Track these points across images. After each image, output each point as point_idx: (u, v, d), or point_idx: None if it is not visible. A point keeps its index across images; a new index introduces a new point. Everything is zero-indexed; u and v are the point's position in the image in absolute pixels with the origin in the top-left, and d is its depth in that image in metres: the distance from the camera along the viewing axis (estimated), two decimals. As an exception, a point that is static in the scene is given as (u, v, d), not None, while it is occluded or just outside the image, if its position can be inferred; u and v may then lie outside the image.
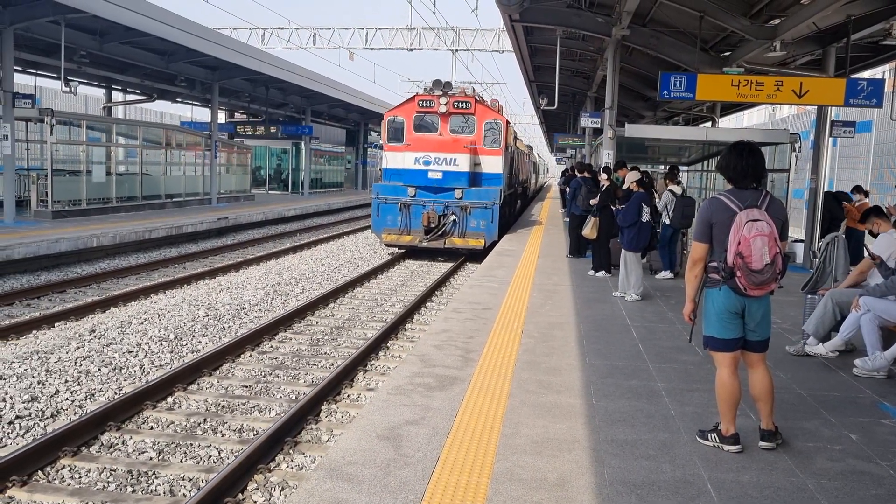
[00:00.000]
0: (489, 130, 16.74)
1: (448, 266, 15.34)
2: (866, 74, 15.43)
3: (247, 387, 7.10)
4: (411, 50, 33.09)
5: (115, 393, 6.78)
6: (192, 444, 5.65)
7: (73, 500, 4.67)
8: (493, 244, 15.68)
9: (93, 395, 6.71)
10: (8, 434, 5.74)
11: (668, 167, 13.90)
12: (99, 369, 7.40)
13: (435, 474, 3.88)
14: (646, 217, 9.50)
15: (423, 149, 16.26)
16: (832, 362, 6.45)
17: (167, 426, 6.05)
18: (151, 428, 6.02)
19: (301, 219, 26.92)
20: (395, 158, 16.70)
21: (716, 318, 4.26)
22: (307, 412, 6.23)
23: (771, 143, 14.98)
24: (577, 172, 14.84)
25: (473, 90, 17.46)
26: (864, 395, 5.52)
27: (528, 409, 4.94)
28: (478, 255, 15.71)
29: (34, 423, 5.96)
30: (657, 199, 11.11)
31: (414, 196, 16.21)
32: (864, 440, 4.57)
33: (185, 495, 4.86)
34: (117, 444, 5.63)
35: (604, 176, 11.72)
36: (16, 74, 18.14)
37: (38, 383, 6.87)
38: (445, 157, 16.02)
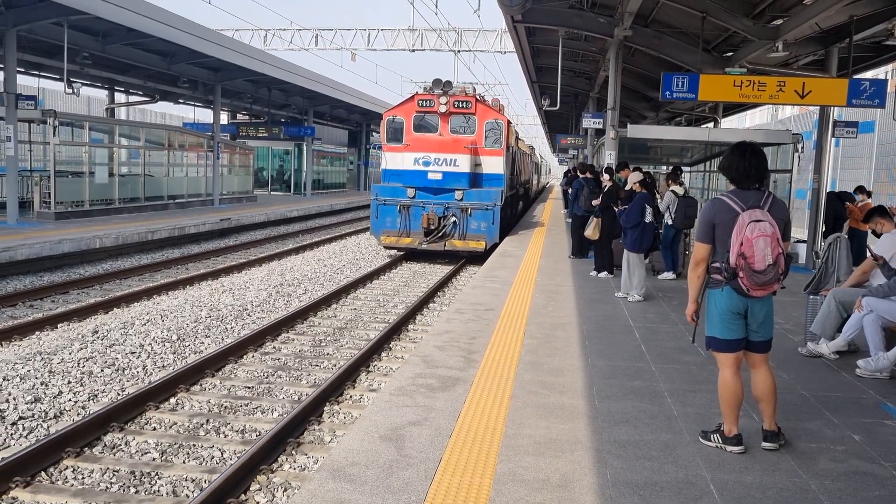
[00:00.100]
0: (490, 130, 16.48)
1: (450, 267, 15.33)
2: (869, 75, 15.41)
3: (249, 387, 7.11)
4: (413, 51, 33.08)
5: (118, 394, 6.79)
6: (194, 445, 5.65)
7: (77, 500, 4.68)
8: (495, 246, 15.47)
9: (96, 395, 6.72)
10: (11, 435, 5.75)
11: (670, 168, 13.90)
12: (102, 370, 7.41)
13: (437, 475, 3.88)
14: (649, 218, 9.49)
15: (422, 149, 16.00)
16: (835, 363, 6.44)
17: (170, 427, 6.06)
18: (154, 429, 6.03)
19: (303, 220, 26.94)
20: (395, 159, 16.43)
21: (718, 318, 4.25)
22: (310, 413, 6.24)
23: (773, 144, 14.96)
24: (579, 173, 14.81)
25: (474, 89, 17.24)
26: (867, 396, 5.51)
27: (530, 410, 4.94)
28: (478, 258, 15.53)
29: (37, 424, 5.97)
30: (659, 200, 11.11)
31: (413, 197, 15.96)
32: (867, 441, 4.56)
33: (187, 496, 4.87)
34: (120, 444, 5.64)
35: (606, 177, 11.73)
36: (19, 76, 18.15)
37: (42, 384, 6.88)
38: (445, 158, 15.77)
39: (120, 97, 28.31)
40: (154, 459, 5.40)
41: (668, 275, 11.40)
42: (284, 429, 5.70)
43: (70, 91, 18.98)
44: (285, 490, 4.93)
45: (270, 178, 39.90)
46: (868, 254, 6.68)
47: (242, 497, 4.80)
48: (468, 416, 4.80)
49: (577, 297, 9.41)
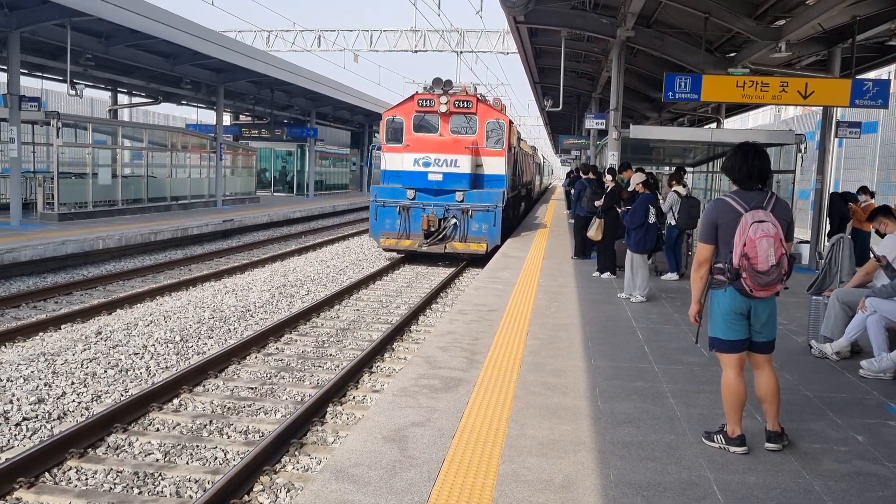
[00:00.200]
0: (491, 130, 16.20)
1: (453, 268, 15.31)
2: (872, 75, 15.39)
3: (252, 388, 7.12)
4: (416, 52, 33.14)
5: (122, 395, 6.80)
6: (198, 446, 5.66)
7: (80, 501, 4.69)
8: (496, 248, 15.23)
9: (99, 396, 6.73)
10: (15, 436, 5.76)
11: (674, 168, 13.89)
12: (105, 371, 7.43)
13: (440, 476, 3.88)
14: (652, 219, 9.49)
15: (422, 149, 15.71)
16: (838, 363, 6.43)
17: (173, 428, 6.07)
18: (158, 430, 6.04)
19: (306, 221, 26.96)
20: (394, 160, 16.12)
21: (721, 319, 4.25)
22: (313, 414, 6.25)
23: (776, 144, 14.94)
24: (581, 174, 14.83)
25: (475, 89, 17.03)
26: (871, 397, 5.50)
27: (533, 411, 4.94)
28: (479, 260, 15.30)
29: (41, 425, 5.98)
30: (661, 201, 11.10)
31: (413, 199, 15.69)
32: (870, 441, 4.55)
33: (191, 497, 4.87)
34: (124, 445, 5.65)
35: (609, 177, 11.71)
36: (22, 78, 18.24)
37: (45, 385, 6.89)
38: (446, 159, 15.50)
39: (123, 98, 28.37)
40: (157, 460, 5.41)
41: (672, 275, 11.39)
42: (287, 430, 5.71)
43: (73, 93, 19.03)
44: (288, 491, 4.93)
45: (273, 179, 39.94)
46: (871, 255, 6.68)
47: (246, 498, 4.81)
48: (471, 416, 4.80)
49: (579, 298, 9.41)
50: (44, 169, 23.02)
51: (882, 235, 6.72)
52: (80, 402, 6.53)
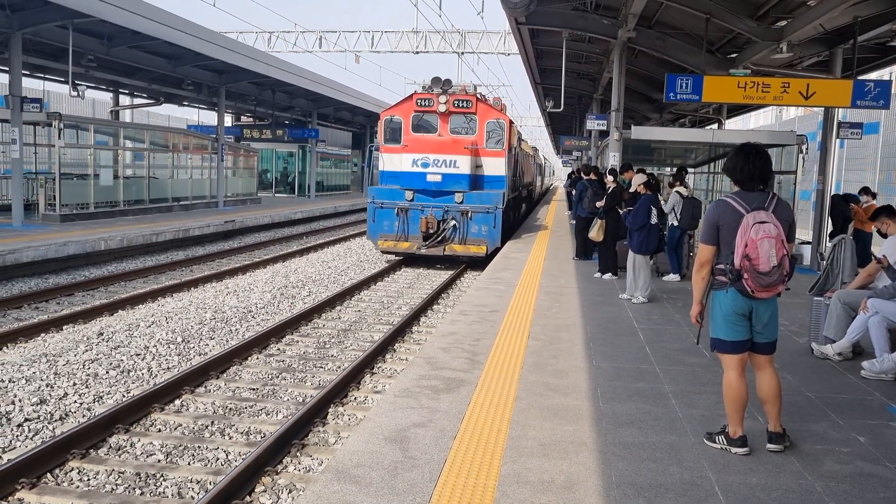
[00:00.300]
0: (491, 130, 15.87)
1: (454, 269, 15.29)
2: (873, 76, 15.39)
3: (254, 389, 7.12)
4: (417, 53, 33.17)
5: (123, 395, 6.81)
6: (199, 447, 5.67)
7: (82, 502, 4.69)
8: (496, 251, 14.97)
9: (101, 397, 6.73)
10: (17, 437, 5.77)
11: (675, 169, 13.89)
12: (107, 372, 7.43)
13: (442, 476, 3.88)
14: (654, 219, 9.48)
15: (421, 150, 15.37)
16: (840, 364, 6.43)
17: (175, 429, 6.08)
18: (159, 430, 6.05)
19: (307, 222, 26.98)
20: (392, 160, 15.81)
21: (723, 320, 4.25)
22: (314, 415, 6.25)
23: (778, 145, 14.94)
24: (583, 175, 14.82)
25: (475, 88, 16.78)
26: (873, 398, 5.50)
27: (535, 412, 4.94)
28: (479, 263, 15.10)
29: (43, 426, 5.99)
30: (662, 202, 11.10)
31: (412, 200, 15.36)
32: (872, 443, 4.55)
33: (193, 497, 4.88)
34: (125, 446, 5.65)
35: (610, 178, 11.71)
36: (24, 79, 18.26)
37: (47, 386, 6.90)
38: (445, 159, 15.15)
39: (125, 100, 28.40)
40: (159, 461, 5.42)
41: (673, 276, 11.39)
42: (289, 430, 5.71)
43: (75, 94, 19.05)
44: (290, 492, 4.93)
45: (274, 180, 39.96)
46: (872, 258, 6.68)
47: (248, 499, 4.81)
48: (473, 417, 4.80)
49: (581, 299, 9.41)
50: (45, 170, 23.07)
51: (884, 235, 6.71)
52: (81, 403, 6.54)
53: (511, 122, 17.17)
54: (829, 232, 13.59)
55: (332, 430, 6.10)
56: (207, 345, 8.73)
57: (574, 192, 16.38)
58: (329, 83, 30.06)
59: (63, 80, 22.68)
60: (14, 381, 6.96)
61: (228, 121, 35.89)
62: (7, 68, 17.05)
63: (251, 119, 37.83)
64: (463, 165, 15.21)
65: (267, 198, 34.70)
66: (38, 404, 6.42)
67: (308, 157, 36.75)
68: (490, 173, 15.95)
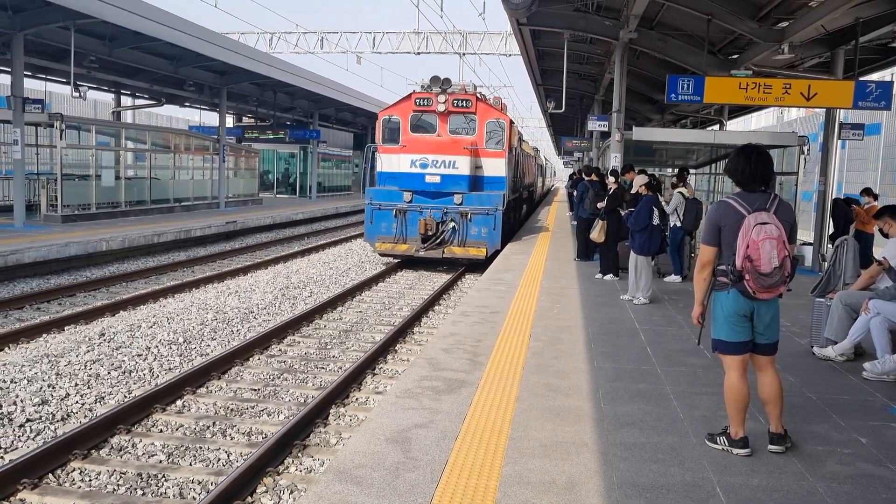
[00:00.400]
0: (492, 131, 15.55)
1: (455, 271, 15.28)
2: (875, 77, 15.39)
3: (255, 390, 7.13)
4: (419, 54, 33.19)
5: (125, 396, 6.81)
6: (201, 447, 5.67)
7: (84, 502, 4.70)
8: (496, 253, 14.75)
9: (102, 398, 6.74)
10: (19, 437, 5.78)
11: (677, 170, 13.89)
12: (108, 372, 7.44)
13: (444, 477, 3.88)
14: (656, 220, 9.48)
15: (420, 150, 15.05)
16: (841, 365, 6.43)
17: (177, 429, 6.08)
18: (161, 431, 6.05)
19: (309, 222, 27.00)
20: (390, 161, 15.51)
21: (724, 321, 4.25)
22: (316, 415, 6.25)
23: (779, 146, 14.93)
24: (584, 176, 14.81)
25: (474, 87, 16.55)
26: (874, 399, 5.50)
27: (536, 413, 4.94)
28: (478, 266, 14.90)
29: (44, 427, 6.00)
30: (664, 203, 11.10)
31: (410, 201, 15.08)
32: (873, 444, 4.55)
33: (194, 498, 4.88)
34: (127, 447, 5.66)
35: (611, 179, 11.71)
36: (26, 80, 18.27)
37: (49, 386, 6.91)
38: (444, 160, 14.85)
39: (126, 100, 28.44)
40: (161, 462, 5.42)
41: (674, 277, 11.39)
42: (290, 431, 5.71)
43: (77, 95, 19.08)
44: (291, 492, 4.94)
45: (276, 180, 39.97)
46: (874, 260, 6.67)
47: (249, 499, 4.82)
48: (474, 418, 4.80)
49: (582, 300, 9.41)
50: (47, 171, 23.12)
51: (886, 235, 6.70)
52: (83, 404, 6.55)
53: (511, 122, 16.98)
54: (829, 234, 13.59)
55: (334, 430, 6.11)
56: (209, 345, 8.73)
57: (575, 193, 16.36)
58: (330, 84, 30.07)
59: (65, 80, 22.73)
60: (16, 382, 6.97)
61: (230, 122, 35.94)
62: (9, 69, 17.08)
63: (253, 120, 37.86)
64: (462, 166, 14.94)
65: (268, 199, 34.73)
66: (39, 405, 6.43)
67: (309, 157, 36.77)
68: (490, 174, 15.69)
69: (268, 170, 39.39)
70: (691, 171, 20.74)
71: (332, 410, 6.52)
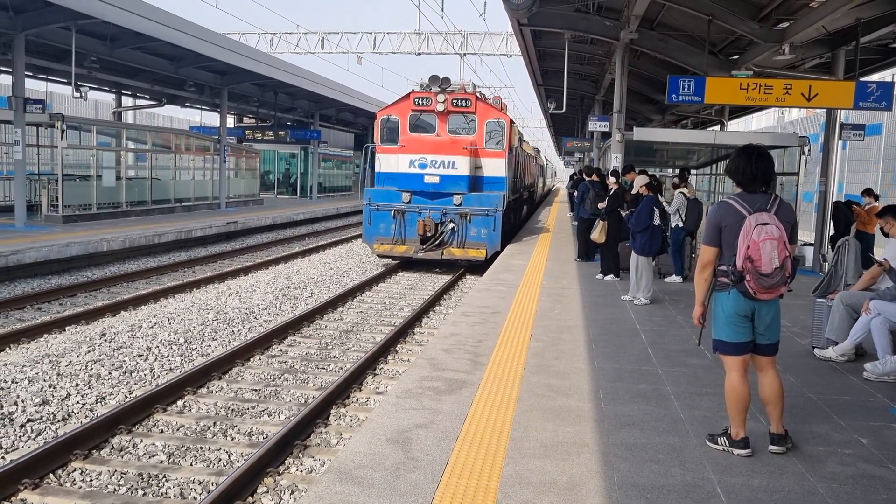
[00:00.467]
0: (491, 131, 15.36)
1: (456, 271, 15.28)
2: (876, 77, 15.38)
3: (256, 390, 7.13)
4: (419, 54, 33.17)
5: (126, 396, 6.82)
6: (202, 448, 5.67)
7: (85, 502, 4.70)
8: (496, 254, 14.61)
9: (103, 398, 6.74)
10: (20, 437, 5.78)
11: (678, 170, 13.89)
12: (109, 373, 7.44)
13: (444, 478, 3.88)
14: (657, 220, 9.48)
15: (418, 150, 14.88)
16: (842, 366, 6.43)
17: (177, 429, 6.08)
18: (162, 431, 6.05)
19: (309, 223, 27.00)
20: (389, 161, 15.36)
21: (725, 321, 4.25)
22: (316, 416, 6.25)
23: (780, 147, 14.94)
24: (585, 176, 14.80)
25: (474, 87, 16.45)
26: (875, 399, 5.50)
27: (537, 413, 4.94)
28: (478, 267, 14.80)
29: (45, 427, 6.00)
30: (665, 203, 11.10)
31: (409, 202, 14.92)
32: (874, 444, 4.55)
33: (195, 498, 4.89)
34: (128, 447, 5.66)
35: (612, 179, 11.71)
36: (27, 80, 18.28)
37: (50, 387, 6.91)
38: (443, 160, 14.68)
39: (127, 101, 28.45)
40: (162, 462, 5.42)
41: (675, 278, 11.39)
42: (291, 431, 5.72)
43: (78, 95, 19.07)
44: (292, 492, 4.94)
45: (276, 181, 39.99)
46: (875, 262, 6.67)
47: (250, 499, 4.82)
48: (475, 418, 4.80)
49: (583, 301, 9.41)
50: (48, 171, 23.14)
51: (887, 235, 6.70)
52: (84, 404, 6.55)
53: (512, 122, 16.85)
54: (830, 236, 13.59)
55: (335, 431, 6.11)
56: (210, 346, 8.74)
57: (576, 193, 16.33)
58: (331, 84, 30.08)
59: (66, 81, 22.73)
60: (17, 382, 6.97)
61: (231, 122, 35.94)
62: (10, 69, 17.12)
63: (253, 120, 37.88)
64: (462, 166, 14.77)
65: (269, 199, 34.73)
66: (40, 405, 6.43)
67: (310, 158, 36.78)
68: (490, 175, 15.54)
69: (268, 170, 39.43)
70: (692, 171, 20.74)
71: (332, 411, 6.52)
